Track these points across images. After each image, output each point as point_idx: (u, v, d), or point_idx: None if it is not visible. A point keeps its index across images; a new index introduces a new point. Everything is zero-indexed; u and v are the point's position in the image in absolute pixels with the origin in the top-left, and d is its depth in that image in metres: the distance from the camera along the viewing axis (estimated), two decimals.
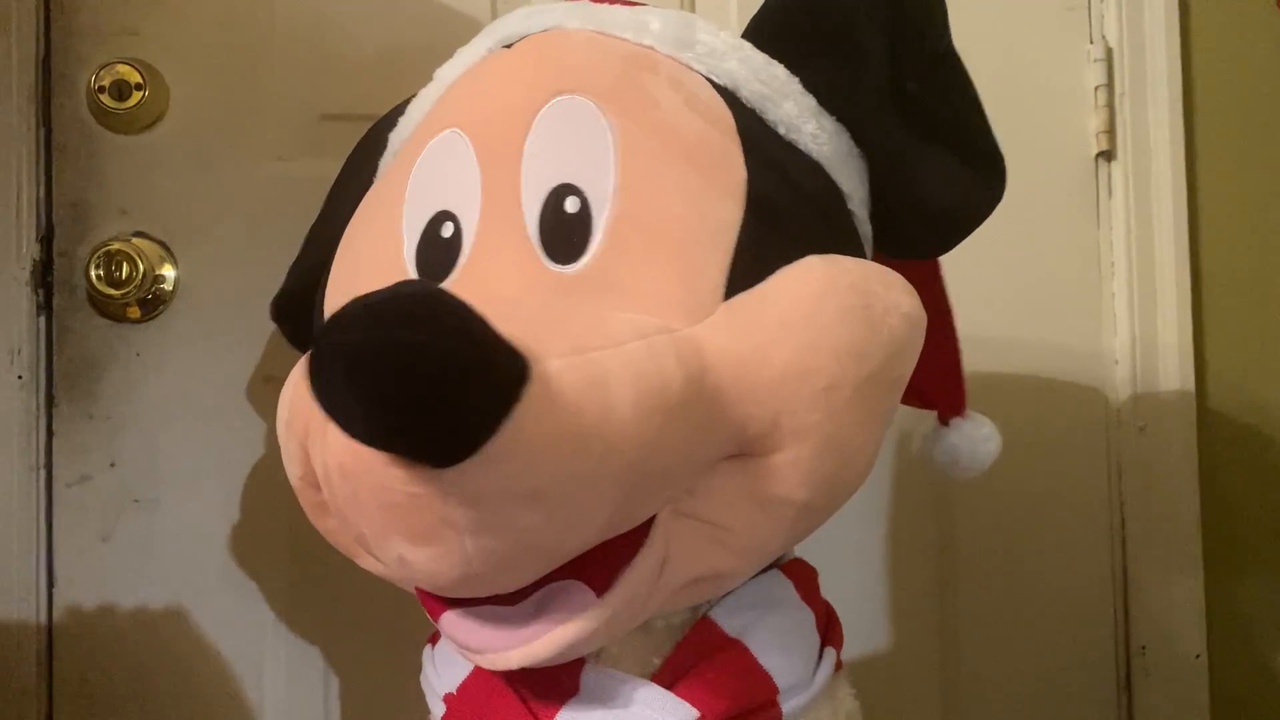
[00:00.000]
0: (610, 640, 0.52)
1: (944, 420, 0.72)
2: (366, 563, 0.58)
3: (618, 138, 0.53)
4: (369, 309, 0.39)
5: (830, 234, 0.56)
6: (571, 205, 0.52)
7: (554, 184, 0.52)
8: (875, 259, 0.62)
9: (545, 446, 0.42)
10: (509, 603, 0.50)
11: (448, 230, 0.55)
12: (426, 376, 0.37)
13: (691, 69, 0.57)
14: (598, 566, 0.49)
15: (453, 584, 0.47)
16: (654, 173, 0.52)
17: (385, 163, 0.65)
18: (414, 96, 0.66)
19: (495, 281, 0.52)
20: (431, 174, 0.58)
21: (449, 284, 0.54)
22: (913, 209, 0.59)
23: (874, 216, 0.60)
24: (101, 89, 0.89)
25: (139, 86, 0.90)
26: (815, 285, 0.51)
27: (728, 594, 0.58)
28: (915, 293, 0.55)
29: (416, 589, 0.54)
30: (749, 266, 0.51)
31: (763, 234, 0.52)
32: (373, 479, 0.43)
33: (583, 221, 0.52)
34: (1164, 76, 1.08)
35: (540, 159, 0.53)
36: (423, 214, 0.57)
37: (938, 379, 0.71)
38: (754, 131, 0.55)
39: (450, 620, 0.52)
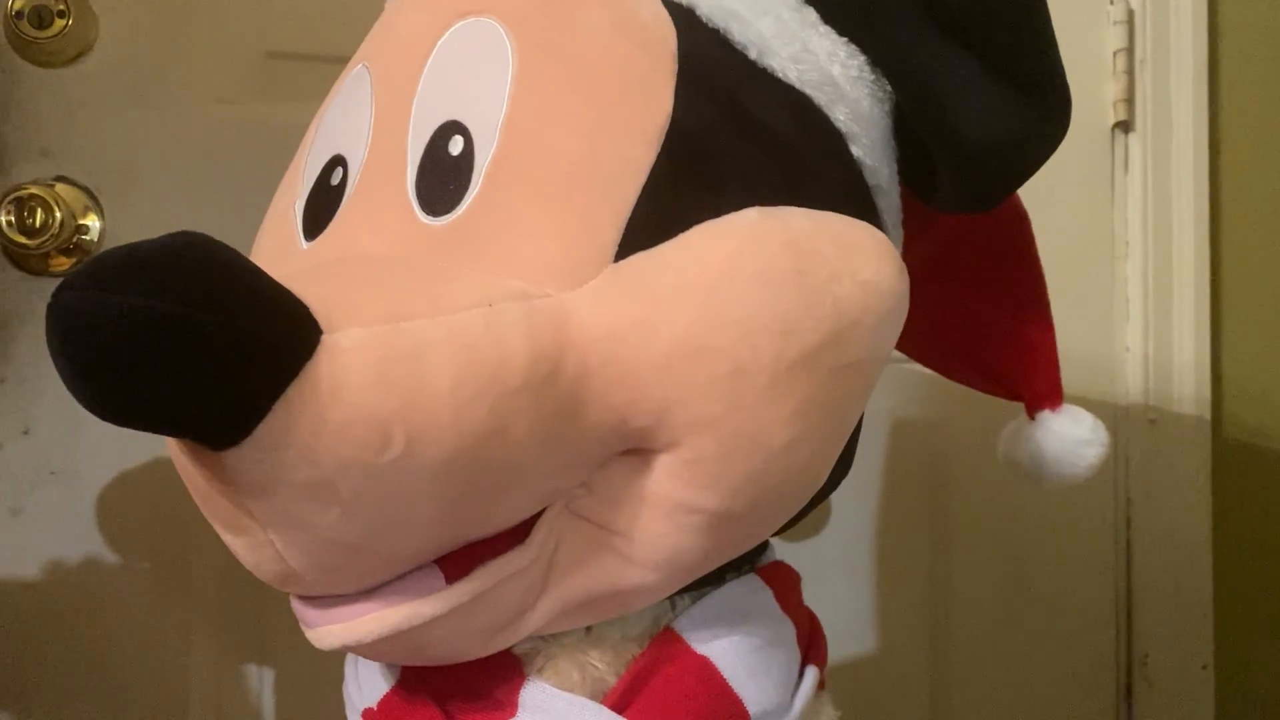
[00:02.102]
0: (462, 642, 0.45)
1: (1031, 414, 0.64)
2: None
3: (516, 68, 0.45)
4: (98, 264, 0.35)
5: (798, 181, 0.47)
6: (455, 146, 0.44)
7: (440, 121, 0.45)
8: (923, 217, 0.55)
9: (327, 432, 0.37)
10: None
11: (336, 177, 0.49)
12: (149, 345, 0.33)
13: None
14: (461, 555, 0.43)
15: (278, 578, 0.43)
16: (549, 106, 0.44)
17: None
18: None
19: (361, 236, 0.46)
20: (335, 114, 0.52)
21: (321, 240, 0.48)
22: (945, 145, 0.49)
23: (909, 159, 0.52)
24: (19, 15, 0.81)
25: (62, 14, 0.81)
26: (733, 243, 0.43)
27: (697, 601, 0.51)
28: (892, 256, 0.46)
29: None
30: (655, 220, 0.43)
31: (681, 181, 0.44)
32: (175, 455, 0.41)
33: (464, 165, 0.44)
34: (1189, 43, 1.02)
35: (432, 93, 0.46)
36: (320, 159, 0.51)
37: (1021, 362, 0.64)
38: (704, 57, 0.47)
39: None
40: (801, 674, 0.53)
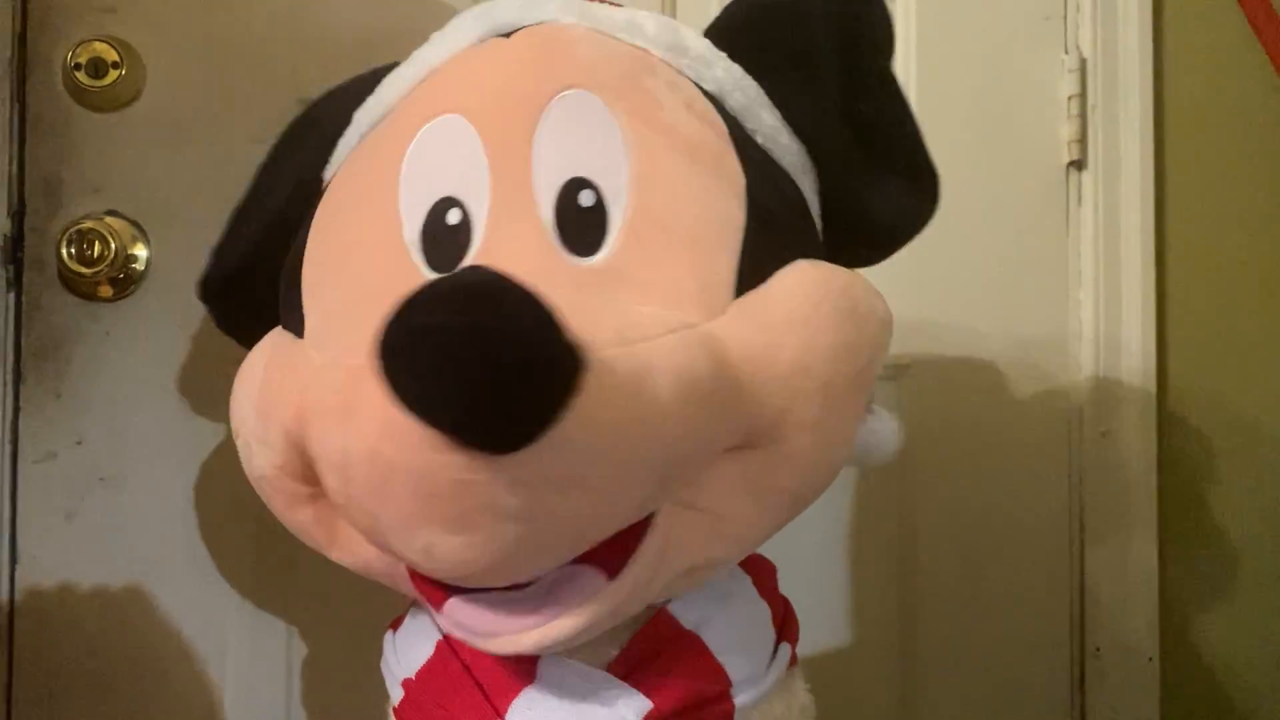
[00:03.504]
0: (616, 623, 0.53)
1: None
2: (340, 554, 0.58)
3: (627, 135, 0.54)
4: (455, 292, 0.40)
5: (811, 240, 0.59)
6: (586, 199, 0.53)
7: (567, 176, 0.53)
8: None
9: (600, 435, 0.44)
10: (518, 588, 0.51)
11: (454, 217, 0.54)
12: (513, 361, 0.39)
13: (683, 74, 0.58)
14: (606, 551, 0.50)
15: (481, 572, 0.48)
16: (664, 171, 0.54)
17: (349, 142, 0.63)
18: (375, 73, 0.65)
19: (513, 272, 0.51)
20: (431, 158, 0.56)
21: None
22: (861, 225, 0.61)
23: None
24: (78, 66, 0.88)
25: (116, 65, 0.89)
26: (812, 288, 0.53)
27: None
28: (883, 298, 0.58)
29: (414, 577, 0.54)
30: (754, 267, 0.53)
31: (762, 236, 0.54)
32: (415, 465, 0.44)
33: (598, 215, 0.52)
34: (1136, 88, 1.09)
35: (552, 150, 0.54)
36: (423, 198, 0.55)
37: None
38: (741, 139, 0.57)
39: (456, 606, 0.52)
40: (776, 650, 0.61)
